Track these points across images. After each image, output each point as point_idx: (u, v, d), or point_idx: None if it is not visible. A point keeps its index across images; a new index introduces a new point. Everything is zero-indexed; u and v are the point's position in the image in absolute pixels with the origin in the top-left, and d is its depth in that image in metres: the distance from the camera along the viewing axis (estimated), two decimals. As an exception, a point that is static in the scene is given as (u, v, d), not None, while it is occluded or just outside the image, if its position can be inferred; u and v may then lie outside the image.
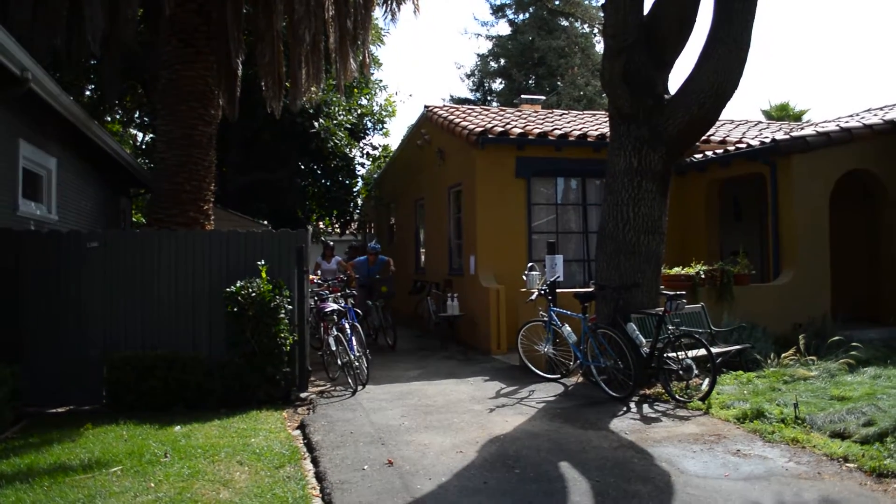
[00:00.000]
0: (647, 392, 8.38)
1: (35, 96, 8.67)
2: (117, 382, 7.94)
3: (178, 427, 7.03)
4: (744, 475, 5.42)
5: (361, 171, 24.08)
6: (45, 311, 8.25)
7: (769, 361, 9.11)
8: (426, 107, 16.04)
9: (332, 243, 15.18)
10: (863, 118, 12.91)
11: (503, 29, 41.33)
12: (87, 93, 19.44)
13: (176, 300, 8.61)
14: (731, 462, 5.75)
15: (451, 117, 14.28)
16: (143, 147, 23.50)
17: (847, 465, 5.56)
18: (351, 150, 21.88)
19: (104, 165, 13.16)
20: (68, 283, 8.35)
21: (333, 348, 9.42)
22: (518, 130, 12.90)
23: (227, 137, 17.07)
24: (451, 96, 41.49)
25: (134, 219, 20.95)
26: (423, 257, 17.29)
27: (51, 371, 8.18)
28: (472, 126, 12.93)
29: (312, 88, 13.28)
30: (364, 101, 23.45)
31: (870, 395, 7.30)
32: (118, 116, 21.91)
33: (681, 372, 7.94)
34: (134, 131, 24.27)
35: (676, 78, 57.83)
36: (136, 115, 22.41)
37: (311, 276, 10.74)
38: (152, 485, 5.27)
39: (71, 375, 8.24)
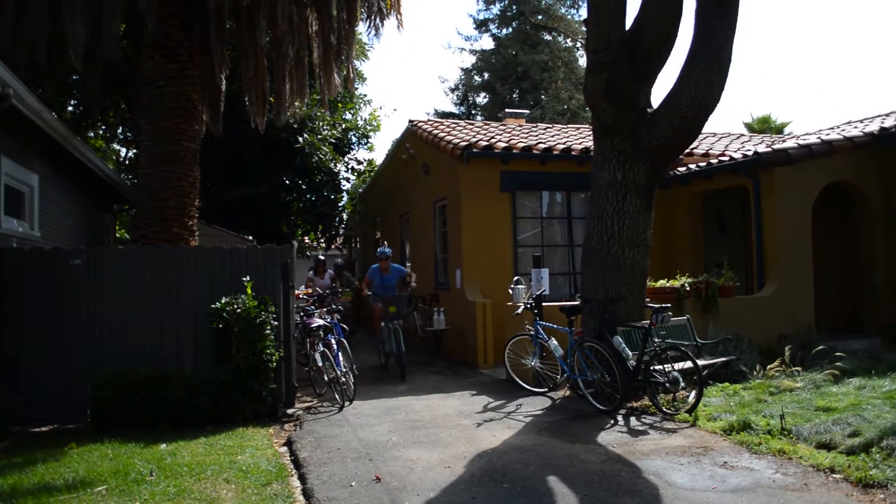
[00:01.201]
0: (635, 405, 8.39)
1: (17, 112, 8.62)
2: (101, 401, 7.86)
3: (164, 445, 6.96)
4: (731, 487, 5.44)
5: (346, 185, 24.05)
6: (27, 330, 8.17)
7: (755, 373, 9.15)
8: (411, 121, 16.08)
9: (323, 258, 15.00)
10: (843, 130, 13.06)
11: (487, 43, 41.52)
12: (70, 108, 19.34)
13: (160, 317, 8.55)
14: (719, 474, 5.76)
15: (436, 132, 14.32)
16: (127, 163, 23.35)
17: (833, 475, 5.58)
18: (336, 165, 21.87)
19: (87, 181, 13.07)
20: (51, 300, 8.28)
21: (320, 364, 9.38)
22: (503, 144, 12.95)
23: (211, 153, 16.98)
24: (436, 110, 41.61)
25: (118, 235, 20.80)
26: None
27: (34, 390, 8.08)
28: (457, 140, 12.96)
29: (297, 103, 13.29)
30: (348, 116, 23.46)
31: (855, 405, 7.34)
32: (101, 132, 21.78)
33: (667, 384, 7.96)
34: (117, 147, 24.12)
35: (659, 92, 58.29)
36: (120, 131, 22.28)
37: (296, 292, 10.69)
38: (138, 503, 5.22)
39: (54, 394, 8.16)
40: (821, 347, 9.54)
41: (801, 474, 5.66)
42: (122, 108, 19.58)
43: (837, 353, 9.33)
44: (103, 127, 21.45)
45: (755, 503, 5.09)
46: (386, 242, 13.07)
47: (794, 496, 5.19)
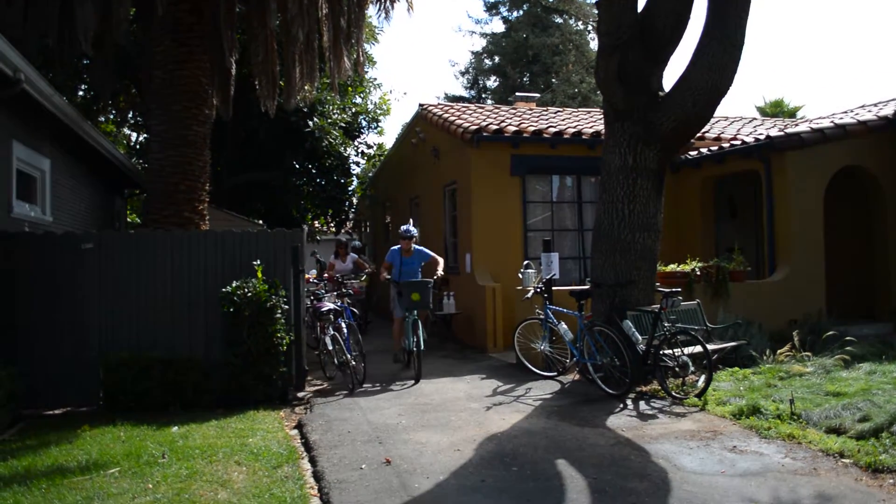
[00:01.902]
0: (644, 389, 8.39)
1: (28, 97, 8.63)
2: (114, 384, 7.93)
3: (176, 428, 7.02)
4: (740, 471, 5.44)
5: (356, 169, 24.02)
6: (40, 313, 8.23)
7: (765, 358, 9.13)
8: (421, 105, 16.03)
9: (345, 240, 14.75)
10: (857, 114, 12.93)
11: (497, 26, 41.24)
12: (80, 93, 19.36)
13: (172, 301, 8.60)
14: (728, 458, 5.76)
15: (446, 115, 14.27)
16: (138, 147, 23.39)
17: (843, 460, 5.58)
18: (346, 149, 21.82)
19: (98, 166, 13.11)
20: (63, 284, 8.34)
21: (330, 347, 9.42)
22: (513, 128, 12.90)
23: (221, 137, 17.01)
24: (446, 94, 41.40)
25: (129, 219, 20.88)
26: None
27: (47, 373, 8.16)
28: (467, 124, 12.92)
29: (306, 87, 13.26)
30: (358, 100, 23.38)
31: (865, 390, 7.32)
32: (112, 116, 21.82)
33: (677, 369, 7.96)
34: (128, 131, 24.18)
35: (671, 75, 57.88)
36: (130, 116, 22.31)
37: (307, 276, 10.70)
38: (150, 486, 5.26)
39: (67, 377, 8.23)
40: (831, 332, 9.47)
41: (811, 459, 5.66)
42: (133, 93, 19.59)
43: (848, 339, 9.27)
44: (114, 111, 21.47)
45: (764, 487, 5.09)
46: (412, 220, 11.79)
47: (803, 481, 5.19)
